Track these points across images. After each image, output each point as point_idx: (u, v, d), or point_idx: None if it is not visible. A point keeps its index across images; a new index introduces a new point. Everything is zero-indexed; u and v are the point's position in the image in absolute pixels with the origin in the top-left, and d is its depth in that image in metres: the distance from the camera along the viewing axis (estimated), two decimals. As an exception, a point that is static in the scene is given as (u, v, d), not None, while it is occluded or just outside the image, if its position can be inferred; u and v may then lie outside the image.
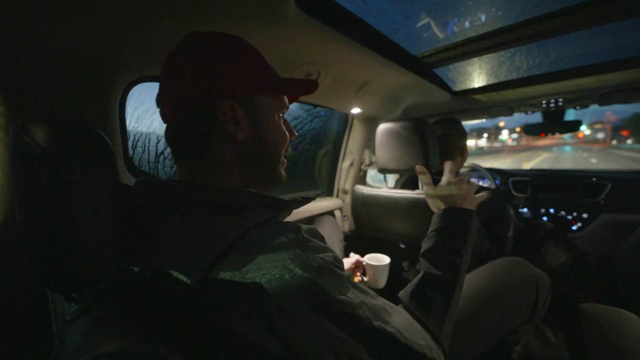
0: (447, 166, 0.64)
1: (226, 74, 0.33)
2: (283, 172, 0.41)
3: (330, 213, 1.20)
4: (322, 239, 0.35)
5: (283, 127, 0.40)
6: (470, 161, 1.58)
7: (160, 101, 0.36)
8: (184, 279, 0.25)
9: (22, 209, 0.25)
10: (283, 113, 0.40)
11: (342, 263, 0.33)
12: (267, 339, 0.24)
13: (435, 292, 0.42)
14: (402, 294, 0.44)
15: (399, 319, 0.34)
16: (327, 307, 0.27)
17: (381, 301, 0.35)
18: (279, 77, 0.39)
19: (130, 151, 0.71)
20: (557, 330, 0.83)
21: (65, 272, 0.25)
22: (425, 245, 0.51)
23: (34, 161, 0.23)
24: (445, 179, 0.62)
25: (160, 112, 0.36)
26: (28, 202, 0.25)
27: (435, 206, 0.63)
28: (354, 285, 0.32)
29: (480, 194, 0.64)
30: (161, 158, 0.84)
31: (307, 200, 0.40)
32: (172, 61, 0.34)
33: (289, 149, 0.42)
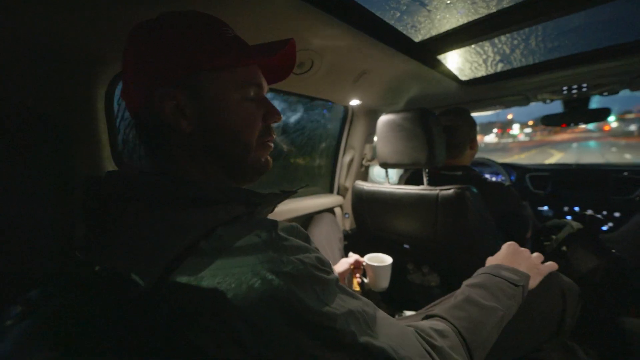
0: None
1: (157, 58, 0.30)
2: (262, 159, 0.36)
3: (330, 210, 1.16)
4: (306, 238, 0.31)
5: (249, 107, 0.34)
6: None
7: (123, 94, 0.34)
8: (139, 281, 0.22)
9: None
10: (251, 91, 0.34)
11: (328, 265, 0.29)
12: (234, 356, 0.21)
13: (477, 312, 0.40)
14: (437, 310, 0.41)
15: (393, 333, 0.29)
16: (304, 320, 0.23)
17: (372, 309, 0.30)
18: (244, 45, 0.33)
19: (121, 145, 0.69)
20: (588, 347, 0.73)
21: (3, 270, 0.22)
22: (472, 278, 0.48)
23: None
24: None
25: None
26: None
27: None
28: (342, 289, 0.28)
29: (546, 265, 0.54)
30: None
31: (288, 194, 0.36)
32: (123, 53, 0.32)
33: (272, 134, 0.36)
